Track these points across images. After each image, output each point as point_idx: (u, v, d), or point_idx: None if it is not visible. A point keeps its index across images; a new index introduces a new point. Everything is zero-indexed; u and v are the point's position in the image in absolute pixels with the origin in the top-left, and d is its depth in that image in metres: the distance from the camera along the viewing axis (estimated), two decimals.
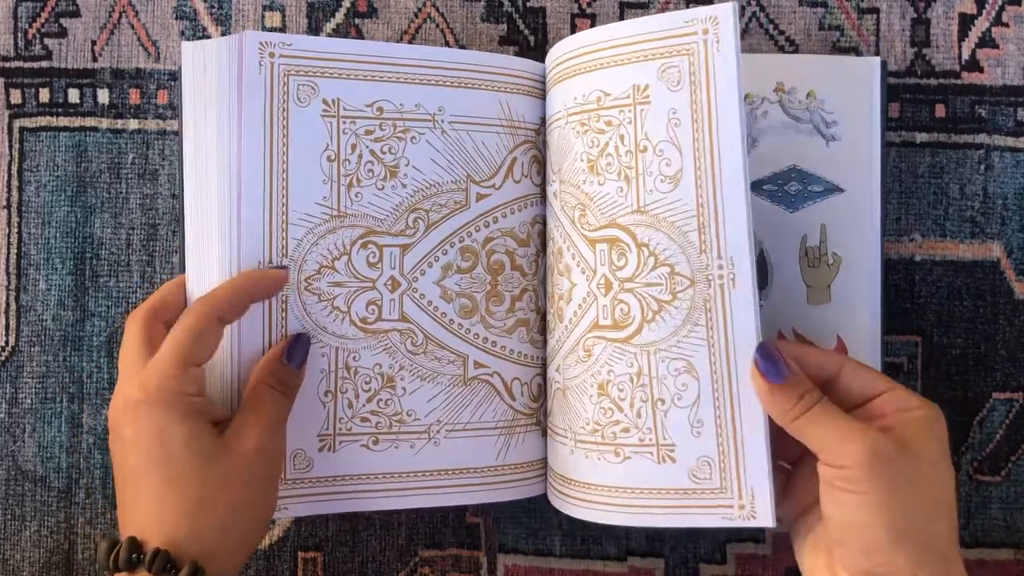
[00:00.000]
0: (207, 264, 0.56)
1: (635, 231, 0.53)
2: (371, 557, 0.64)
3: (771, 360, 0.49)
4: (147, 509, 0.50)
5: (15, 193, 0.64)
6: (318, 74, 0.56)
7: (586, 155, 0.55)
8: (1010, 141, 0.63)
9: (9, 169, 0.65)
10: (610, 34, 0.54)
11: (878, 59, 0.60)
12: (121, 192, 0.64)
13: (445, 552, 0.64)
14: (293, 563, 0.64)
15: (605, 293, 0.54)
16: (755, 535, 0.64)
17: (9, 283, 0.64)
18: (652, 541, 0.64)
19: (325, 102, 0.57)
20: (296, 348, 0.55)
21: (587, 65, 0.55)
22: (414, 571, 0.64)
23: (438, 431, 0.59)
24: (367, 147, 0.57)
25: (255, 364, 0.55)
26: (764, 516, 0.51)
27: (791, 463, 0.55)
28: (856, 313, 0.60)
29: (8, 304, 0.64)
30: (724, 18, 0.51)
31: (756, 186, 0.60)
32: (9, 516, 0.64)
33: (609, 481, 0.55)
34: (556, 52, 0.57)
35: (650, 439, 0.53)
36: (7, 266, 0.65)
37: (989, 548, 0.63)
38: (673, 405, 0.53)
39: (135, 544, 0.49)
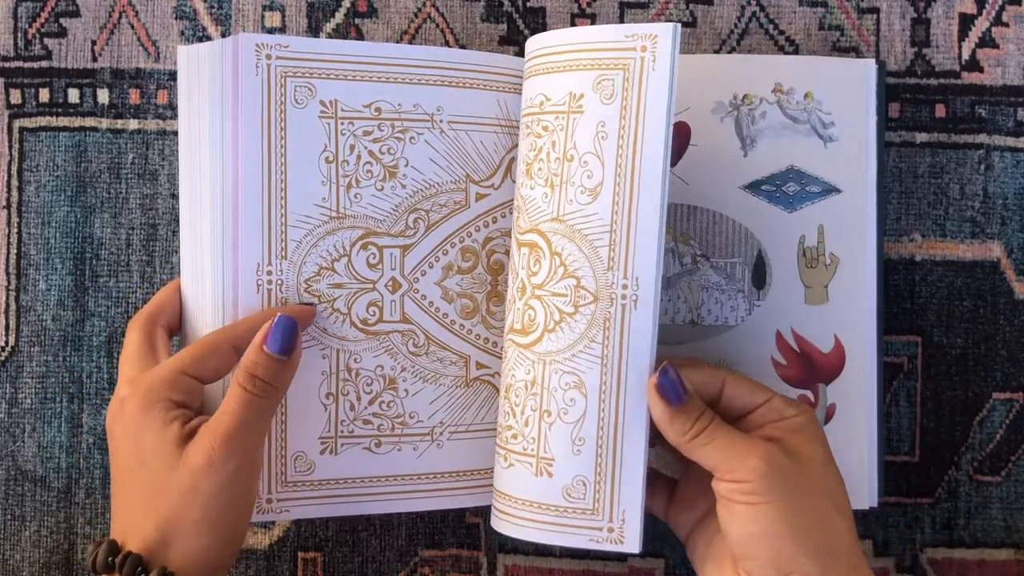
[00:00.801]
0: (201, 268, 0.56)
1: (551, 239, 0.53)
2: (371, 557, 0.64)
3: (671, 384, 0.49)
4: (127, 512, 0.50)
5: (15, 193, 0.65)
6: (315, 75, 0.56)
7: (525, 158, 0.55)
8: (1010, 141, 0.63)
9: (9, 169, 0.65)
10: (557, 39, 0.53)
11: (874, 61, 0.60)
12: (121, 192, 0.64)
13: (445, 552, 0.64)
14: (293, 563, 0.64)
15: (520, 297, 0.54)
16: None
17: (9, 283, 0.65)
18: (652, 541, 0.64)
19: (323, 103, 0.56)
20: (277, 332, 0.51)
21: (537, 68, 0.54)
22: (414, 571, 0.64)
23: (441, 433, 0.59)
24: (366, 148, 0.57)
25: None
26: (632, 542, 0.51)
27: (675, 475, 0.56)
28: (854, 313, 0.60)
29: (8, 304, 0.65)
30: (663, 37, 0.50)
31: (754, 186, 0.60)
32: (9, 516, 0.65)
33: (499, 486, 0.55)
34: (525, 51, 0.57)
35: (532, 449, 0.53)
36: (7, 266, 0.65)
37: (989, 548, 0.63)
38: (559, 419, 0.52)
39: (114, 547, 0.49)
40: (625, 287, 0.51)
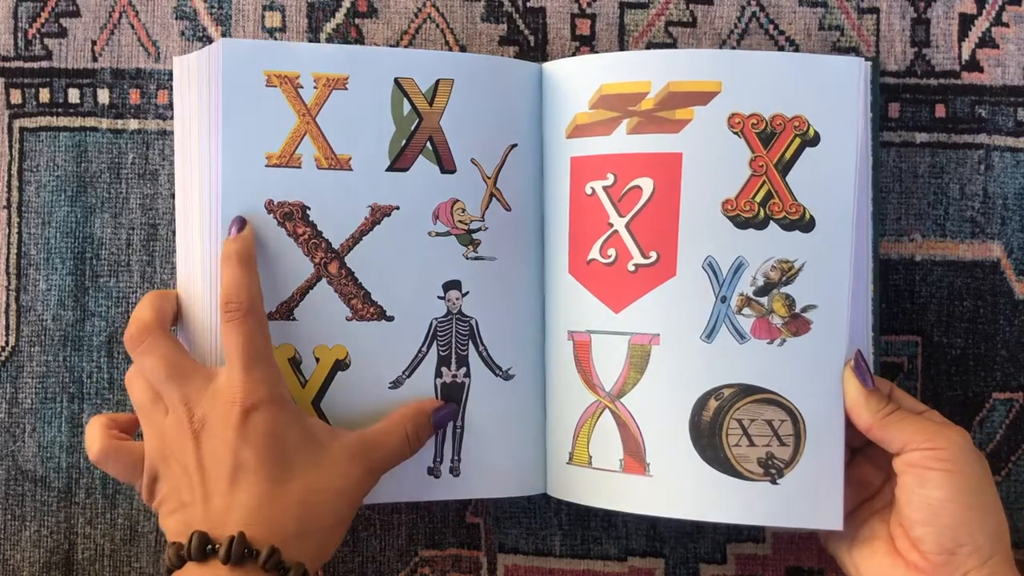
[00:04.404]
0: (193, 272, 0.56)
1: None
2: (371, 557, 0.64)
3: (862, 369, 0.54)
4: (250, 507, 0.50)
5: (15, 193, 0.65)
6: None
7: None
8: (1010, 141, 0.63)
9: (9, 169, 0.65)
10: None
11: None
12: (121, 192, 0.64)
13: (445, 552, 0.64)
14: None
15: None
16: (755, 535, 0.64)
17: (9, 283, 0.64)
18: (652, 541, 0.64)
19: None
20: (445, 414, 0.57)
21: None
22: (414, 571, 0.64)
23: None
24: None
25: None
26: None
27: None
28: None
29: (8, 304, 0.64)
30: None
31: None
32: (9, 516, 0.64)
33: None
34: None
35: None
36: (7, 266, 0.65)
37: None
38: None
39: (205, 538, 0.49)
40: None
